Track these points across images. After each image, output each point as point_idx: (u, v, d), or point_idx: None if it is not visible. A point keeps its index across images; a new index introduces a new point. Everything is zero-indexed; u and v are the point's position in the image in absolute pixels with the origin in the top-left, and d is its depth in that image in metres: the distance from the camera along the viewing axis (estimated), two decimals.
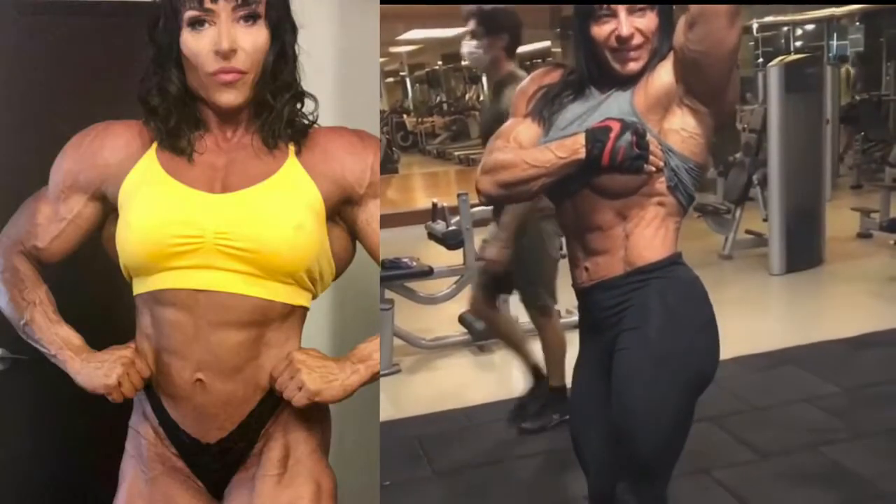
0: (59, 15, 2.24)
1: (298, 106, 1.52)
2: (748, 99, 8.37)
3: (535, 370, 3.64)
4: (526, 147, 1.75)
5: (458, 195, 4.79)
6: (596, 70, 1.71)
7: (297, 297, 1.51)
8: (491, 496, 3.14)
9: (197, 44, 1.42)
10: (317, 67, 1.58)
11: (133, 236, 1.44)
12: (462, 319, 4.88)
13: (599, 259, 1.74)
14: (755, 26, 13.90)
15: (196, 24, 1.42)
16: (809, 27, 15.01)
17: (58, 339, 1.50)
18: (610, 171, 1.63)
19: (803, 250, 6.10)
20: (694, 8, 1.55)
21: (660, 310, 1.69)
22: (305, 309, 1.55)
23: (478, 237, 4.85)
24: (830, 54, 13.79)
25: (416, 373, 4.56)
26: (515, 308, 4.91)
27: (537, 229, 3.34)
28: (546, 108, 1.77)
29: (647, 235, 1.70)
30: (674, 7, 1.69)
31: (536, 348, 3.67)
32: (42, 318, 1.51)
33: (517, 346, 3.68)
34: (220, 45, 1.41)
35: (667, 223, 1.72)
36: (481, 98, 18.56)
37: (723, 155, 6.96)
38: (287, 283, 1.48)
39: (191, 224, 1.43)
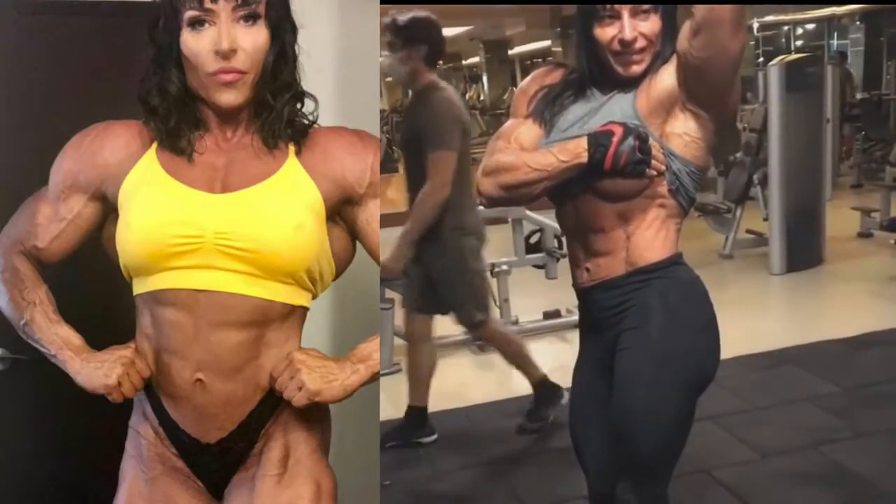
0: (59, 15, 2.25)
1: (298, 106, 1.52)
2: (748, 98, 8.36)
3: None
4: (527, 148, 1.74)
5: None
6: (598, 71, 1.71)
7: (297, 297, 1.51)
8: (491, 496, 3.14)
9: (197, 44, 1.42)
10: (317, 67, 1.58)
11: (133, 236, 1.44)
12: None
13: (600, 260, 1.74)
14: (755, 25, 13.91)
15: (196, 24, 1.42)
16: (810, 26, 15.01)
17: (58, 339, 1.50)
18: (612, 176, 1.63)
19: (804, 250, 6.10)
20: (698, 15, 1.54)
21: (661, 310, 1.69)
22: (305, 309, 1.55)
23: None
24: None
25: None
26: (516, 310, 4.95)
27: (456, 248, 3.28)
28: (547, 110, 1.76)
29: (649, 236, 1.70)
30: (677, 10, 1.68)
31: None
32: (42, 318, 1.51)
33: (426, 378, 3.53)
34: (220, 45, 1.40)
35: (668, 224, 1.72)
36: (481, 97, 18.57)
37: (723, 154, 6.96)
38: (287, 283, 1.48)
39: (191, 224, 1.42)
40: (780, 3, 12.25)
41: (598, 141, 1.62)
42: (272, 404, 1.51)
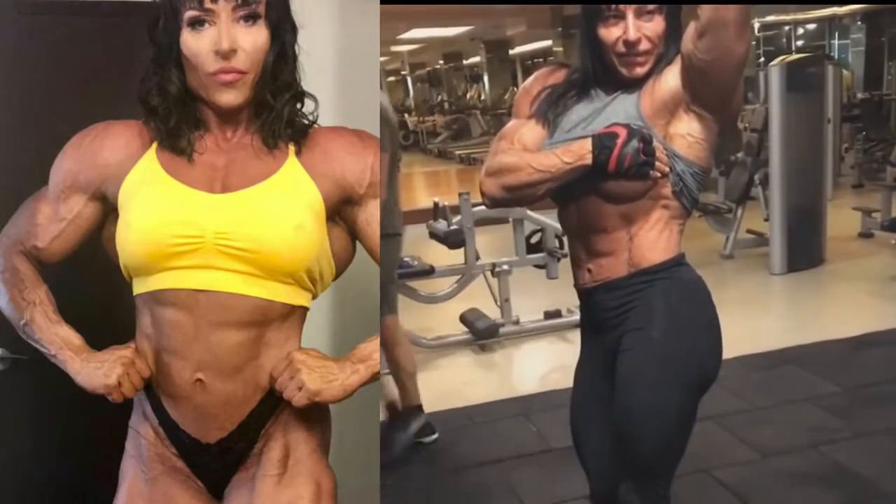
0: (59, 15, 2.24)
1: (298, 106, 1.51)
2: (750, 98, 8.36)
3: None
4: (530, 149, 1.74)
5: (460, 194, 4.80)
6: (601, 71, 1.71)
7: (297, 297, 1.51)
8: (492, 496, 3.14)
9: (197, 44, 1.42)
10: (317, 67, 1.57)
11: (133, 236, 1.44)
12: (463, 318, 4.90)
13: (603, 260, 1.73)
14: (756, 25, 13.89)
15: (196, 24, 1.42)
16: (811, 26, 15.00)
17: (58, 339, 1.50)
18: (616, 177, 1.63)
19: (804, 250, 6.10)
20: (704, 17, 1.54)
21: (664, 311, 1.69)
22: (305, 309, 1.54)
23: (479, 236, 4.87)
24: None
25: (417, 372, 4.55)
26: (517, 310, 4.95)
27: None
28: (550, 110, 1.76)
29: (652, 237, 1.70)
30: (681, 11, 1.68)
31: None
32: (42, 318, 1.51)
33: (412, 376, 3.55)
34: (220, 45, 1.40)
35: (671, 225, 1.72)
36: (482, 97, 18.58)
37: (724, 154, 6.96)
38: (287, 283, 1.48)
39: (191, 224, 1.42)
40: (782, 3, 12.24)
41: (602, 143, 1.61)
42: (272, 404, 1.51)
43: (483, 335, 4.78)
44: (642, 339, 1.69)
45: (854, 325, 4.74)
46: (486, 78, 18.52)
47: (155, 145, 1.49)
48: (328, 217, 1.51)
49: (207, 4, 1.40)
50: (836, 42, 14.48)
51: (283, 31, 1.48)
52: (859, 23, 14.06)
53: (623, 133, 1.61)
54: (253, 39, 1.43)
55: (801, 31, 15.10)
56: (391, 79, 22.33)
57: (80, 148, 1.53)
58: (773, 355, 4.38)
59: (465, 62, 20.14)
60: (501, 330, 4.86)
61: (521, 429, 3.67)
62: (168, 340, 1.47)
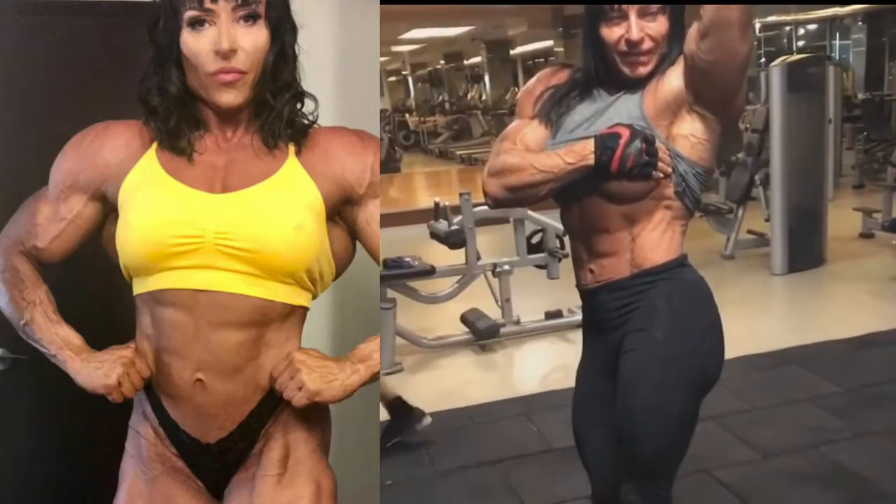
0: (59, 15, 2.24)
1: (298, 106, 1.52)
2: (751, 99, 8.36)
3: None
4: (533, 149, 1.74)
5: (461, 194, 4.80)
6: (604, 71, 1.70)
7: (297, 297, 1.50)
8: (492, 496, 3.14)
9: (197, 44, 1.42)
10: (317, 67, 1.57)
11: (133, 236, 1.44)
12: (464, 318, 4.90)
13: (605, 261, 1.73)
14: (758, 26, 13.89)
15: (196, 24, 1.42)
16: (812, 27, 15.00)
17: (58, 339, 1.50)
18: (619, 178, 1.62)
19: (805, 250, 6.10)
20: (707, 17, 1.54)
21: (666, 312, 1.69)
22: (305, 309, 1.54)
23: (480, 236, 4.87)
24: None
25: (417, 372, 4.56)
26: (518, 310, 4.95)
27: None
28: (553, 110, 1.76)
29: (654, 238, 1.70)
30: (684, 11, 1.68)
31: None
32: (42, 318, 1.51)
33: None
34: (220, 45, 1.40)
35: (673, 226, 1.71)
36: (483, 97, 18.58)
37: (725, 154, 6.96)
38: (287, 283, 1.48)
39: (191, 224, 1.42)
40: (784, 3, 12.24)
41: (605, 143, 1.61)
42: (272, 404, 1.51)
43: (484, 335, 4.78)
44: (645, 339, 1.69)
45: (855, 325, 4.74)
46: (487, 78, 18.52)
47: (155, 145, 1.49)
48: (328, 217, 1.51)
49: (207, 4, 1.40)
50: (837, 42, 14.48)
51: (283, 31, 1.48)
52: (860, 23, 14.07)
53: (626, 133, 1.60)
54: (253, 39, 1.43)
55: (802, 31, 15.11)
56: (392, 79, 22.35)
57: (80, 148, 1.53)
58: (773, 355, 4.38)
59: (465, 62, 20.15)
60: (502, 330, 4.86)
61: (522, 429, 3.66)
62: (168, 340, 1.47)
